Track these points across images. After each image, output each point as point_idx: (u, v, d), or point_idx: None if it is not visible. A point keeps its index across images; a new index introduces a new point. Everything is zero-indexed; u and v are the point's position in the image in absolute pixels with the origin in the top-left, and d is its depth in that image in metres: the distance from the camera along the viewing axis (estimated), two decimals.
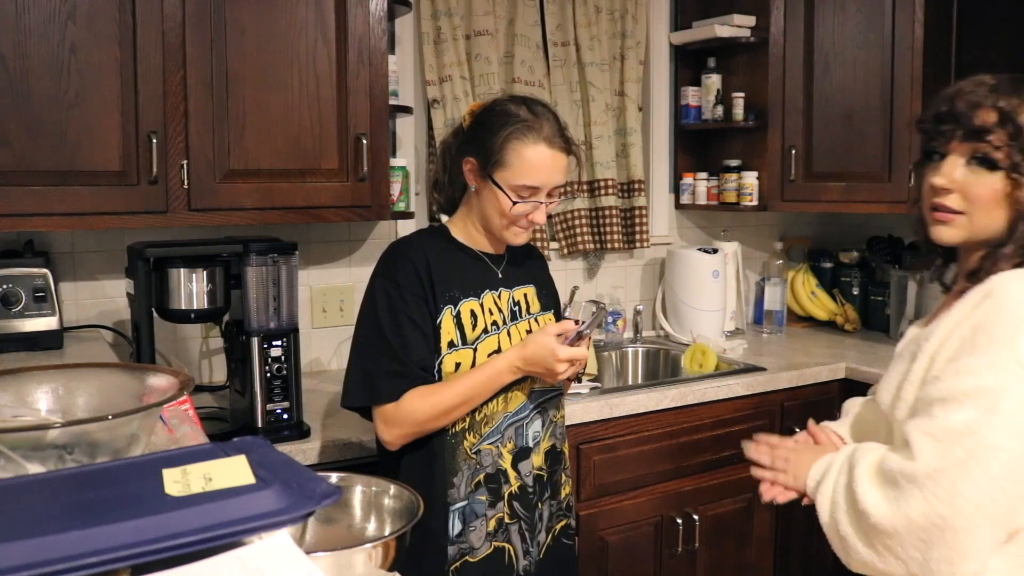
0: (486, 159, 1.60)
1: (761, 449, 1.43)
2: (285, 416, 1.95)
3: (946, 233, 1.28)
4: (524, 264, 1.78)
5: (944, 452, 1.13)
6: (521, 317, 1.71)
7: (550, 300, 1.81)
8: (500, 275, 1.71)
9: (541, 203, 1.61)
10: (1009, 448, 1.11)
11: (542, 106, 1.64)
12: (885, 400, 1.31)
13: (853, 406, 1.55)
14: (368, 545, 0.98)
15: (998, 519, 1.13)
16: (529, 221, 1.62)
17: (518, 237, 1.65)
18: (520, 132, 1.57)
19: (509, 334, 1.67)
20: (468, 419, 1.61)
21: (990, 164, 1.22)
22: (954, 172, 1.24)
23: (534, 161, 1.57)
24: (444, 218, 1.79)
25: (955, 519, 1.12)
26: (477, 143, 1.62)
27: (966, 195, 1.24)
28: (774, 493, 1.39)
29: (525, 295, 1.74)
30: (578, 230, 2.95)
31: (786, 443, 1.43)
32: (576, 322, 1.61)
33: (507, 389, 1.63)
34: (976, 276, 1.24)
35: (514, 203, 1.59)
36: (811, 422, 1.51)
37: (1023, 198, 1.20)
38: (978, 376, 1.14)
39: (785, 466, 1.38)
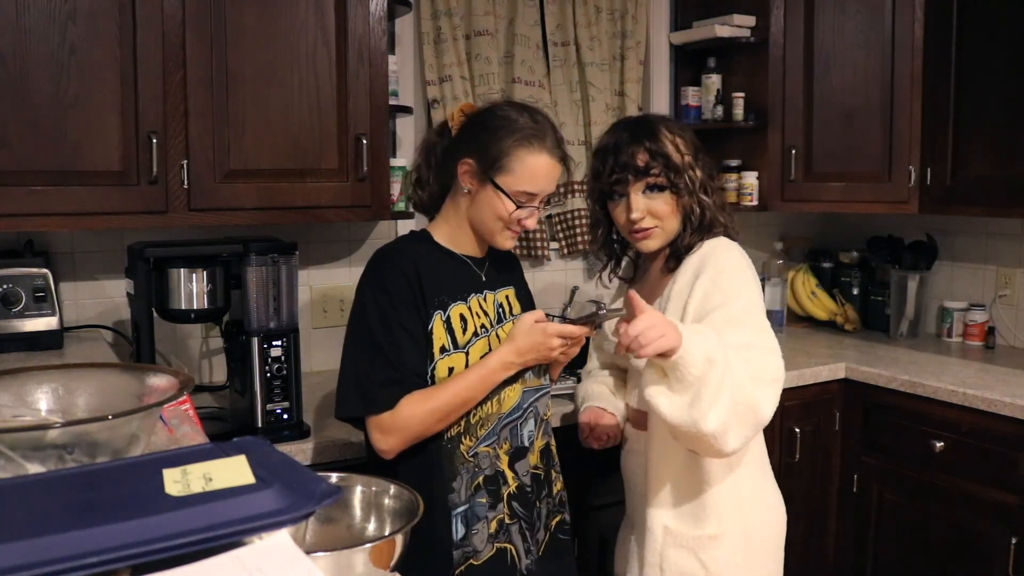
0: (489, 163, 1.60)
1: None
2: (285, 416, 1.95)
3: (651, 244, 1.73)
4: (503, 266, 1.79)
5: (763, 351, 1.55)
6: (506, 319, 1.72)
7: (527, 302, 1.83)
8: (484, 278, 1.71)
9: (536, 208, 1.65)
10: (769, 326, 1.63)
11: (542, 115, 1.67)
12: (639, 362, 1.65)
13: (591, 386, 1.93)
14: (368, 545, 0.98)
15: None
16: (521, 226, 1.65)
17: (508, 241, 1.67)
18: (526, 140, 1.60)
19: (498, 336, 1.68)
20: (463, 423, 1.61)
21: (659, 188, 1.68)
22: (639, 204, 1.69)
23: (537, 170, 1.61)
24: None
25: (781, 375, 1.57)
26: (477, 146, 1.62)
27: (653, 214, 1.69)
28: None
29: (507, 297, 1.76)
30: (578, 230, 2.95)
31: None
32: (547, 314, 1.67)
33: (499, 390, 1.64)
34: (679, 257, 1.71)
35: (518, 206, 1.61)
36: (588, 418, 1.86)
37: (686, 203, 1.69)
38: (737, 302, 1.59)
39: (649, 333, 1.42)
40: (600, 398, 1.90)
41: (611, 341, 1.84)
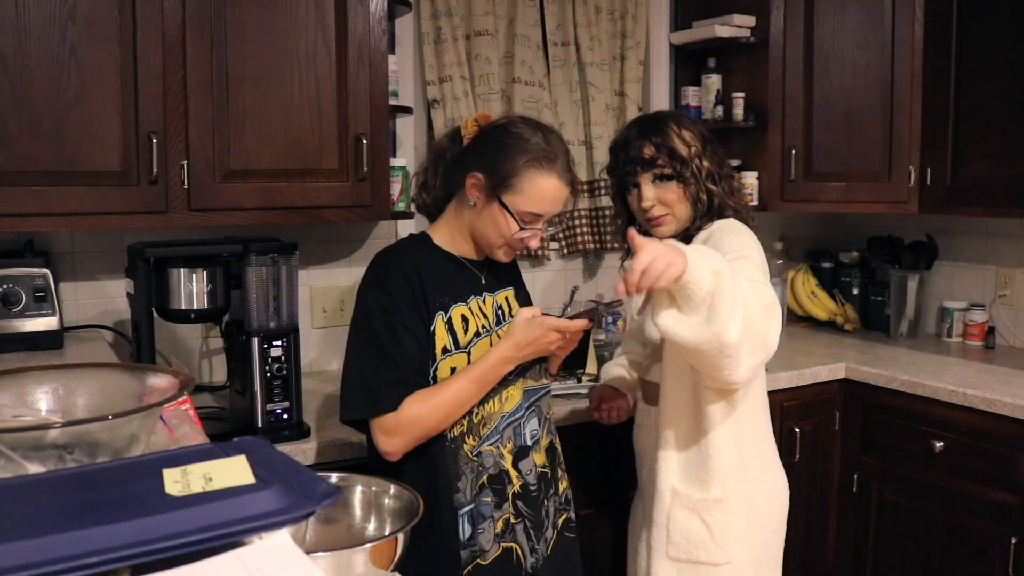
0: (498, 180, 1.60)
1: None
2: (285, 416, 1.95)
3: (664, 230, 1.80)
4: (502, 270, 1.80)
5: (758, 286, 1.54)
6: (505, 321, 1.73)
7: (526, 303, 1.83)
8: (483, 280, 1.72)
9: (540, 230, 1.66)
10: (769, 283, 1.63)
11: (555, 136, 1.67)
12: (654, 334, 1.65)
13: (611, 368, 2.13)
14: (368, 545, 0.99)
15: None
16: (522, 244, 1.66)
17: (506, 257, 1.69)
18: (537, 161, 1.60)
19: (498, 335, 1.68)
20: (466, 422, 1.61)
21: (667, 178, 1.77)
22: (649, 193, 1.78)
23: (545, 192, 1.61)
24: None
25: (780, 312, 1.60)
26: (487, 161, 1.62)
27: (664, 202, 1.79)
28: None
29: (506, 298, 1.76)
30: (578, 230, 2.95)
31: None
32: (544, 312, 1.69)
33: (501, 389, 1.64)
34: (690, 239, 1.76)
35: (521, 227, 1.61)
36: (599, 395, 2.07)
37: (693, 191, 1.78)
38: (739, 255, 1.63)
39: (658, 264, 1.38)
40: (616, 378, 2.08)
41: (636, 320, 2.01)
